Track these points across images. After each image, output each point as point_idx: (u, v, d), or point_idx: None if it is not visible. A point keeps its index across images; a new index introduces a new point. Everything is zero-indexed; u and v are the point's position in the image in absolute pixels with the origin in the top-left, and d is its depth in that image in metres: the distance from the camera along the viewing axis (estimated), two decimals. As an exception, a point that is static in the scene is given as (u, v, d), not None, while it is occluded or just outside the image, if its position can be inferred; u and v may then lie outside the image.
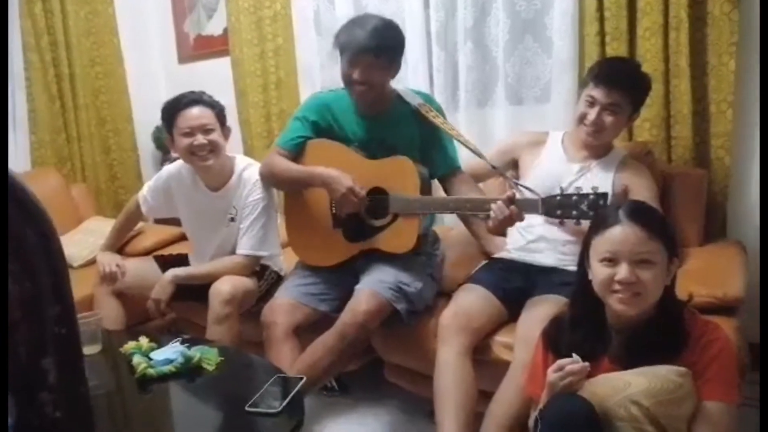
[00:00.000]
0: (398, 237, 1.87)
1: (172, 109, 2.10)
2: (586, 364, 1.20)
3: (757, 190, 2.10)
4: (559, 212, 1.60)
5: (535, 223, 1.89)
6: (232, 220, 2.20)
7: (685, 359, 1.20)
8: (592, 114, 1.81)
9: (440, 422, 1.63)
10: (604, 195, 1.54)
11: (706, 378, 1.19)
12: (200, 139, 2.07)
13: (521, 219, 1.67)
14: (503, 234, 1.81)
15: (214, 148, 2.09)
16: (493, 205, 1.68)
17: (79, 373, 0.72)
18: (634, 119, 1.93)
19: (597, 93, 1.80)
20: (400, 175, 1.87)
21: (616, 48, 2.17)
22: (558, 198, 1.59)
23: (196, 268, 2.24)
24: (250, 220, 2.15)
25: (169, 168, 2.36)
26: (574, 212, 1.57)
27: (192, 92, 2.13)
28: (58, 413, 0.68)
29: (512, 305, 1.81)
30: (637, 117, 1.94)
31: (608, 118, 1.82)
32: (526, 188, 1.75)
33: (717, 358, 1.20)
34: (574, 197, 1.56)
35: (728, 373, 1.20)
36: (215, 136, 2.10)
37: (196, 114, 2.08)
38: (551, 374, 1.21)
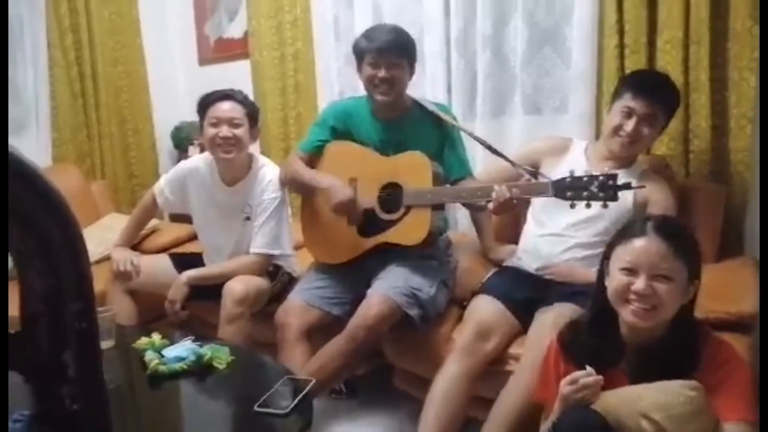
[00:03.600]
0: (410, 229, 1.89)
1: (207, 100, 2.18)
2: (600, 377, 1.19)
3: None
4: (569, 194, 1.60)
5: (546, 233, 1.89)
6: (248, 218, 2.22)
7: (698, 378, 1.19)
8: (630, 125, 1.80)
9: (423, 424, 1.66)
10: (614, 175, 1.54)
11: (722, 398, 1.18)
12: (225, 131, 2.12)
13: (523, 201, 1.69)
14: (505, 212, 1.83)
15: (237, 143, 2.14)
16: (495, 186, 1.69)
17: (97, 368, 0.74)
18: (663, 132, 1.92)
19: (635, 104, 1.79)
20: (413, 169, 1.90)
21: (636, 61, 2.16)
22: (568, 180, 1.60)
23: (209, 268, 2.26)
24: (264, 218, 2.17)
25: (186, 162, 2.41)
26: (585, 193, 1.57)
27: (231, 89, 2.21)
28: (76, 406, 0.69)
29: (523, 315, 1.80)
30: (665, 129, 1.92)
31: (645, 129, 1.81)
32: (538, 173, 1.77)
33: (732, 378, 1.19)
34: (584, 179, 1.57)
35: (744, 393, 1.19)
36: (241, 131, 2.15)
37: (226, 107, 2.15)
38: (565, 387, 1.21)
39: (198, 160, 2.35)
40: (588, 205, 1.58)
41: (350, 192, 1.92)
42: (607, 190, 1.54)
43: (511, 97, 2.53)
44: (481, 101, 2.55)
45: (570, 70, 2.35)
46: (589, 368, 1.21)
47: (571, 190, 1.59)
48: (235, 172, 2.23)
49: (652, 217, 1.30)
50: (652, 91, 1.79)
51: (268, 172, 2.22)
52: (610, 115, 1.88)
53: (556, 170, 1.95)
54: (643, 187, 1.68)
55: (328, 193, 1.93)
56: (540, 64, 2.45)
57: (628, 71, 2.17)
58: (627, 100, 1.80)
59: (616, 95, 1.88)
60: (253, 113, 2.21)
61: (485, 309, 1.81)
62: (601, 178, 1.55)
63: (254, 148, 2.48)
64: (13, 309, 0.71)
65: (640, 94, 1.78)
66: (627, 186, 1.53)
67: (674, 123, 2.12)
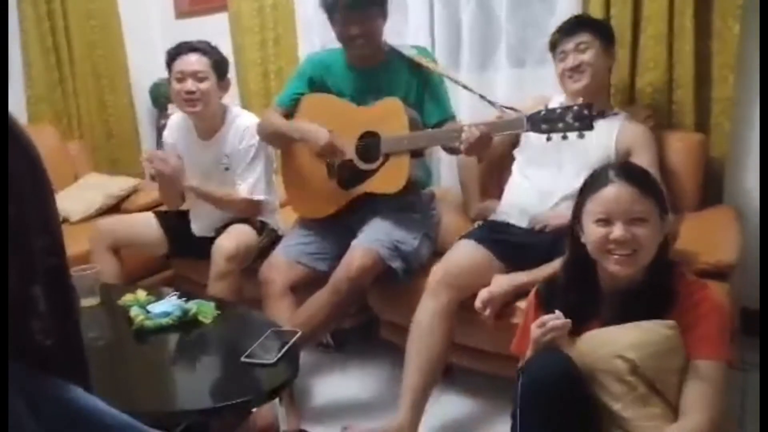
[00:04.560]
0: (390, 177, 1.89)
1: (172, 54, 2.15)
2: (568, 321, 1.22)
3: (756, 157, 2.10)
4: (544, 127, 1.60)
5: (532, 187, 1.90)
6: (227, 169, 2.21)
7: (673, 318, 1.21)
8: (569, 61, 1.88)
9: (406, 368, 1.70)
10: (590, 105, 1.54)
11: (695, 336, 1.20)
12: (189, 85, 2.10)
13: (490, 141, 1.70)
14: (477, 155, 1.86)
15: (202, 97, 2.12)
16: (465, 127, 1.69)
17: (69, 304, 0.73)
18: (612, 53, 1.94)
19: (564, 45, 1.89)
20: (389, 116, 1.89)
21: (621, 8, 2.13)
22: (543, 113, 1.60)
23: (213, 189, 2.20)
24: (243, 166, 2.17)
25: (171, 120, 2.38)
26: (560, 125, 1.57)
27: (197, 41, 2.17)
28: (49, 341, 0.69)
29: (513, 260, 1.79)
30: (614, 51, 1.95)
31: (582, 56, 1.86)
32: (513, 110, 1.78)
33: (706, 317, 1.21)
34: (559, 110, 1.57)
35: (718, 332, 1.21)
36: (206, 85, 2.12)
37: (190, 60, 2.12)
38: (534, 330, 1.24)
39: (180, 116, 2.32)
40: (564, 137, 1.57)
41: (330, 132, 1.89)
42: (583, 119, 1.53)
43: (495, 50, 2.49)
44: (466, 53, 2.51)
45: (555, 17, 2.31)
46: (558, 312, 1.23)
47: (546, 122, 1.59)
48: (208, 125, 2.21)
49: (611, 165, 1.30)
50: (573, 28, 1.90)
51: (243, 120, 2.20)
52: (555, 68, 1.95)
53: None
54: (617, 113, 1.68)
55: (310, 136, 1.90)
56: (525, 14, 2.41)
57: (613, 19, 2.15)
58: (559, 46, 1.92)
59: (552, 51, 1.97)
60: (219, 64, 2.17)
61: (460, 250, 1.83)
62: (575, 108, 1.54)
63: (233, 103, 2.44)
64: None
65: (565, 36, 1.90)
66: (602, 114, 1.53)
67: (659, 72, 2.12)
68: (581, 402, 1.20)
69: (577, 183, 1.81)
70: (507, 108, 1.81)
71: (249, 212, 2.21)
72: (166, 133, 2.37)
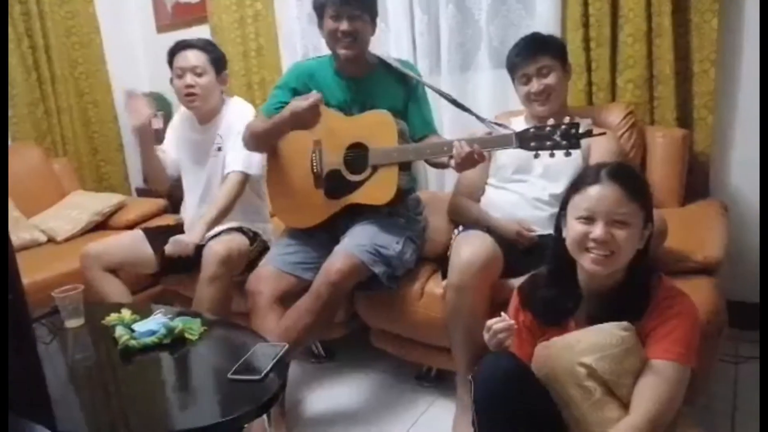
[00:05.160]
0: (378, 189, 1.88)
1: (172, 52, 2.23)
2: (512, 322, 1.24)
3: (740, 149, 2.11)
4: (533, 144, 1.60)
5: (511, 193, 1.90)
6: (219, 149, 2.24)
7: (646, 324, 1.21)
8: (534, 86, 1.87)
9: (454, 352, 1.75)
10: (576, 124, 1.55)
11: (658, 337, 1.19)
12: (188, 79, 2.17)
13: (482, 158, 1.69)
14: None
15: (201, 91, 2.19)
16: (455, 142, 1.69)
17: (28, 341, 0.72)
18: (569, 70, 1.94)
19: (526, 68, 1.88)
20: (378, 128, 1.88)
21: (599, 8, 2.14)
22: (531, 131, 1.61)
23: (206, 214, 2.16)
24: (233, 139, 2.18)
25: (176, 115, 2.47)
26: (548, 143, 1.58)
27: (194, 39, 2.25)
28: (11, 379, 0.67)
29: (510, 259, 1.77)
30: (570, 68, 1.95)
31: (546, 80, 1.86)
32: (501, 125, 1.79)
33: (674, 321, 1.19)
34: (548, 128, 1.58)
35: (685, 336, 1.19)
36: (205, 80, 2.19)
37: (187, 56, 2.19)
38: (483, 334, 1.25)
39: (183, 109, 2.36)
40: (552, 155, 1.58)
41: (307, 101, 1.80)
42: (570, 138, 1.54)
43: (477, 51, 2.49)
44: (446, 56, 2.51)
45: (534, 20, 2.32)
46: (504, 315, 1.25)
47: (534, 140, 1.59)
48: (207, 114, 2.28)
49: (605, 165, 1.30)
50: (531, 50, 1.88)
51: (238, 104, 2.29)
52: (517, 90, 1.95)
53: None
54: (604, 133, 1.68)
55: (294, 107, 1.80)
56: (505, 16, 2.42)
57: (592, 18, 2.16)
58: (519, 70, 1.90)
59: (511, 72, 1.95)
60: (217, 59, 2.24)
61: (471, 239, 1.76)
62: (563, 126, 1.55)
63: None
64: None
65: (525, 59, 1.88)
66: (588, 133, 1.53)
67: (638, 70, 2.12)
68: (536, 400, 1.21)
69: (550, 189, 1.83)
70: (496, 124, 1.82)
71: (242, 187, 2.19)
72: (171, 124, 2.45)
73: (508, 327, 1.23)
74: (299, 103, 1.80)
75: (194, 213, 2.30)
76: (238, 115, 2.22)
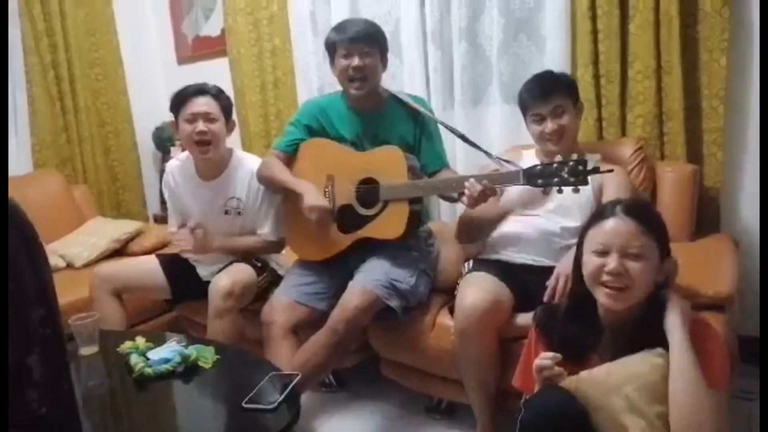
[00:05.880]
0: (389, 224, 1.90)
1: (181, 96, 2.17)
2: (555, 355, 1.23)
3: (751, 185, 2.12)
4: (540, 181, 1.62)
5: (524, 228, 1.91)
6: (239, 213, 2.23)
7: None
8: (548, 126, 1.86)
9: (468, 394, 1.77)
10: (584, 161, 1.56)
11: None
12: (200, 125, 2.12)
13: (494, 193, 1.71)
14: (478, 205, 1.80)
15: (213, 138, 2.14)
16: (466, 182, 1.71)
17: (63, 372, 0.75)
18: (580, 108, 1.95)
19: (540, 108, 1.87)
20: (389, 164, 1.91)
21: (609, 46, 2.18)
22: (539, 167, 1.63)
23: (235, 242, 2.24)
24: (264, 209, 2.21)
25: (170, 164, 2.40)
26: (556, 179, 1.59)
27: (204, 84, 2.20)
28: (44, 409, 0.70)
29: (521, 296, 1.77)
30: (582, 105, 1.97)
31: (562, 120, 1.86)
32: (509, 162, 1.80)
33: (703, 349, 1.19)
34: (555, 165, 1.59)
35: (712, 360, 1.19)
36: (217, 126, 2.15)
37: (200, 102, 2.14)
38: (535, 374, 1.25)
39: (181, 159, 2.34)
40: (560, 191, 1.60)
41: (323, 201, 1.95)
42: (578, 175, 1.56)
43: (488, 86, 2.54)
44: (459, 91, 2.56)
45: (545, 56, 2.37)
46: (547, 353, 1.25)
47: (542, 177, 1.62)
48: (213, 167, 2.23)
49: (620, 201, 1.32)
50: (544, 90, 1.87)
51: (250, 163, 2.23)
52: (528, 127, 1.94)
53: None
54: (611, 170, 1.69)
55: (301, 199, 1.94)
56: (516, 52, 2.47)
57: (601, 55, 2.20)
58: (532, 109, 1.89)
59: (523, 110, 1.95)
60: (227, 107, 2.21)
61: (477, 282, 1.78)
62: (571, 163, 1.57)
63: (236, 146, 2.48)
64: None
65: (538, 99, 1.87)
66: (596, 170, 1.55)
67: (648, 106, 2.16)
68: None
69: (562, 222, 1.84)
70: (504, 160, 1.84)
71: (272, 250, 2.28)
72: (165, 179, 2.37)
73: (552, 359, 1.23)
74: (311, 213, 1.91)
75: (214, 264, 2.29)
76: (255, 178, 2.18)
